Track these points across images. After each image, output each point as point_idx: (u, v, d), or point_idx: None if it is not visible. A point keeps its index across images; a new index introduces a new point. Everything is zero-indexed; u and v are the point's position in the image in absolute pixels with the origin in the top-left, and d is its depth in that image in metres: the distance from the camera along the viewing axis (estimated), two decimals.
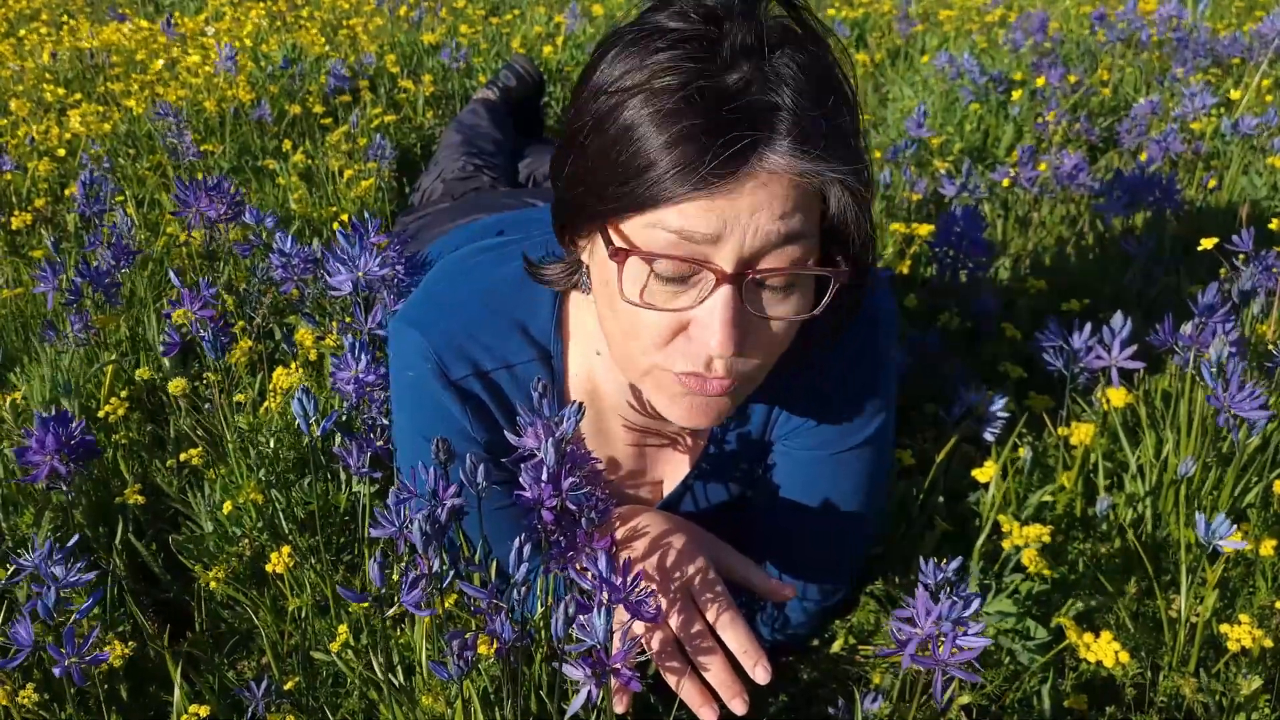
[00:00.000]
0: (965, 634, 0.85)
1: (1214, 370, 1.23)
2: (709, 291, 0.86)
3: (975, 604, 0.86)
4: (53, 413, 1.22)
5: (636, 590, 0.85)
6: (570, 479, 0.86)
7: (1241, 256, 1.55)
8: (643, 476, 1.19)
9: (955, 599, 0.86)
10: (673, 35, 0.84)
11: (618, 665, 0.83)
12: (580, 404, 0.86)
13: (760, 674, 0.94)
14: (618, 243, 0.88)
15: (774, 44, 0.84)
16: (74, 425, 1.23)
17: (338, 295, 1.34)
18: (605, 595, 0.83)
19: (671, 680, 0.96)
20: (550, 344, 1.06)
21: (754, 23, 0.84)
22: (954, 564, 0.90)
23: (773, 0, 0.88)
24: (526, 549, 0.86)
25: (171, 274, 1.39)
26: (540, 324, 1.06)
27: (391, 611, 0.91)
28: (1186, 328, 1.37)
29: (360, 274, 1.28)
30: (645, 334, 0.91)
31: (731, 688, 0.94)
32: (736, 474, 1.19)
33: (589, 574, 0.85)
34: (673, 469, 1.19)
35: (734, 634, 0.96)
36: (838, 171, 0.85)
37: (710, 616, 0.97)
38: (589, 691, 0.82)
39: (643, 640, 0.97)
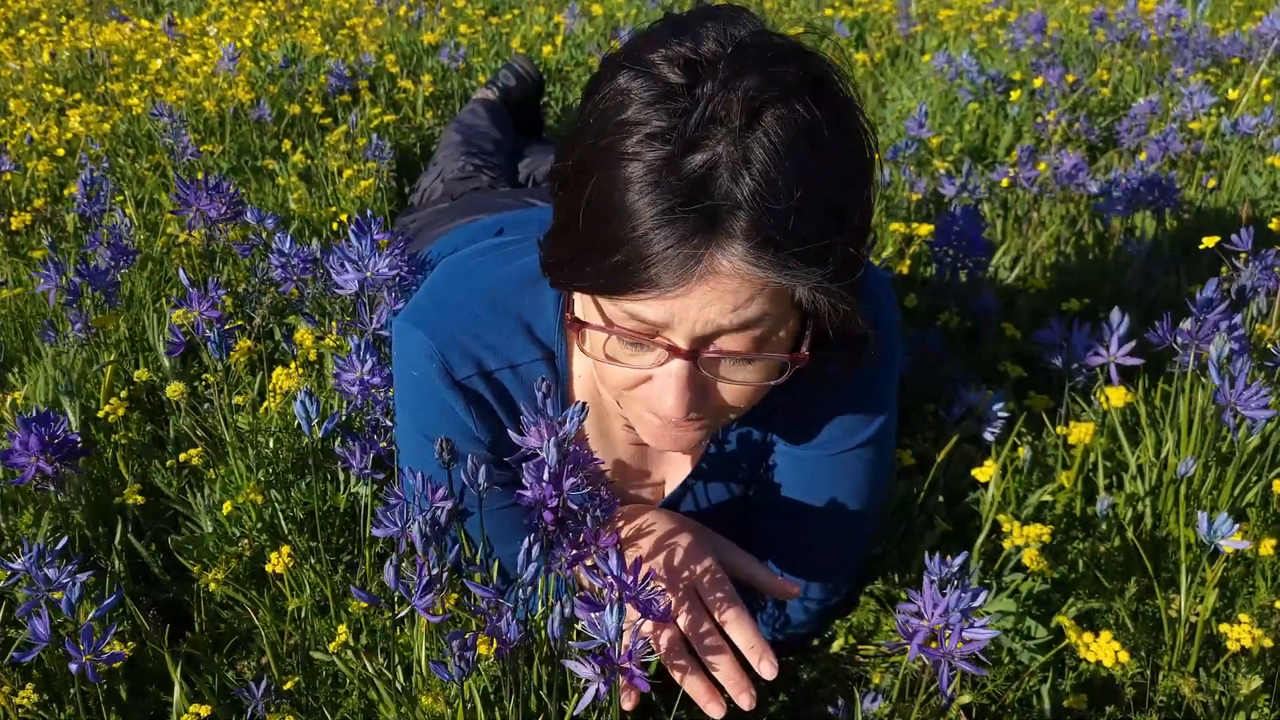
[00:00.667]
0: (972, 626, 0.86)
1: (1219, 367, 1.23)
2: (665, 359, 0.87)
3: (982, 596, 0.86)
4: (34, 414, 1.21)
5: (648, 589, 0.85)
6: (571, 479, 0.86)
7: (1242, 256, 1.55)
8: (645, 476, 1.19)
9: (962, 592, 0.86)
10: (651, 93, 0.79)
11: (626, 664, 0.83)
12: (583, 404, 0.87)
13: (766, 669, 0.95)
14: (577, 310, 0.91)
15: (759, 107, 0.77)
16: (57, 425, 1.22)
17: (342, 294, 1.33)
18: (617, 593, 0.83)
19: (678, 677, 0.96)
20: (554, 344, 1.06)
21: (735, 82, 0.77)
22: (959, 559, 0.90)
23: (772, 41, 0.82)
24: (535, 549, 0.87)
25: (183, 275, 1.39)
26: (545, 324, 1.06)
27: (402, 613, 0.92)
28: (1186, 323, 1.37)
29: (369, 274, 1.27)
30: (613, 379, 0.93)
31: (739, 684, 0.95)
32: (738, 474, 1.19)
33: (601, 572, 0.85)
34: (674, 469, 1.19)
35: (740, 631, 0.97)
36: (798, 276, 0.80)
37: (717, 614, 0.98)
38: (596, 689, 0.83)
39: (650, 639, 0.97)
